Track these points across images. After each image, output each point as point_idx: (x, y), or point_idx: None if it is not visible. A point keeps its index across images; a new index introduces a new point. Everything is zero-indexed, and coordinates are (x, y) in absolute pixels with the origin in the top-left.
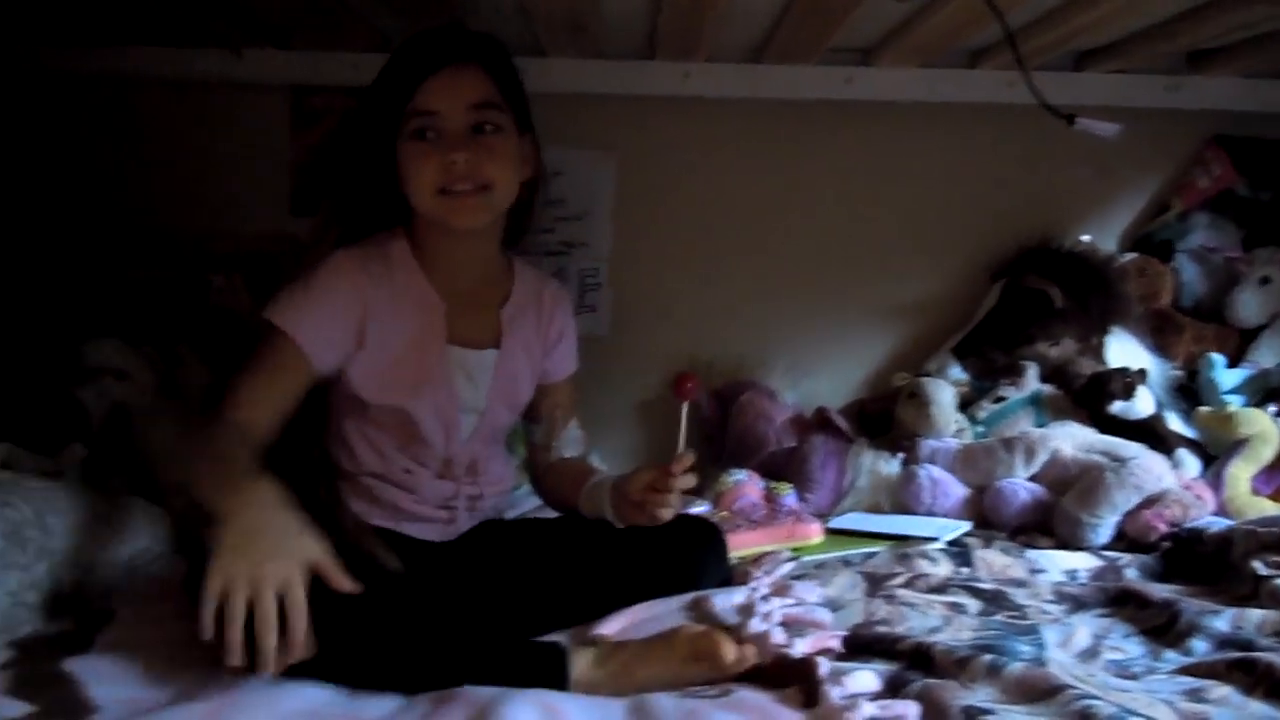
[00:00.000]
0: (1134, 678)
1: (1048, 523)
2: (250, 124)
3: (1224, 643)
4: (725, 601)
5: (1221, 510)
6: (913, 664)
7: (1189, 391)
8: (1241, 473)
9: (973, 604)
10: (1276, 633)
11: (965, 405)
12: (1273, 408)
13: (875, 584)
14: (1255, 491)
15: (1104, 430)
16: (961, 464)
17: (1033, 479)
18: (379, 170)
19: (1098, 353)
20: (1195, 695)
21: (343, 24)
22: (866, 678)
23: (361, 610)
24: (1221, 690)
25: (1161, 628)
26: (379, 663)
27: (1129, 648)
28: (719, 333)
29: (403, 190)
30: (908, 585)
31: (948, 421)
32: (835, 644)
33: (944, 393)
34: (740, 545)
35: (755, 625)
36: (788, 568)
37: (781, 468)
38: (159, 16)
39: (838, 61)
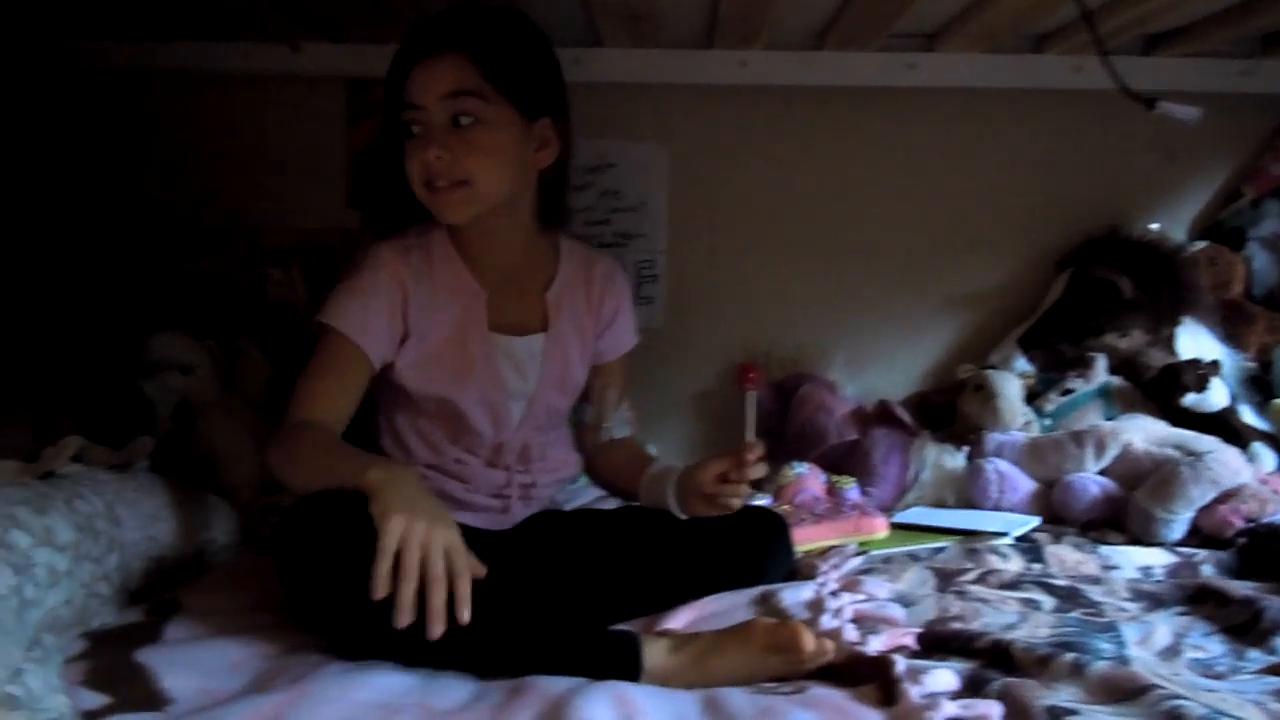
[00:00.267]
0: (1219, 677)
1: (1119, 518)
2: (307, 117)
3: None
4: (794, 597)
5: None
6: (991, 662)
7: (1262, 384)
8: None
9: (1047, 600)
10: None
11: (1031, 398)
12: None
13: (946, 580)
14: None
15: (1175, 423)
16: (1029, 458)
17: (1103, 473)
18: (398, 165)
19: (1168, 344)
20: None
21: (399, 16)
22: (945, 676)
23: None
24: None
25: (1243, 626)
26: (451, 645)
27: (1210, 646)
28: (777, 324)
29: None
30: (979, 581)
31: (1015, 415)
32: (910, 641)
33: (1011, 385)
34: (804, 540)
35: (826, 622)
36: (856, 562)
37: (842, 461)
38: (216, 11)
39: (901, 47)
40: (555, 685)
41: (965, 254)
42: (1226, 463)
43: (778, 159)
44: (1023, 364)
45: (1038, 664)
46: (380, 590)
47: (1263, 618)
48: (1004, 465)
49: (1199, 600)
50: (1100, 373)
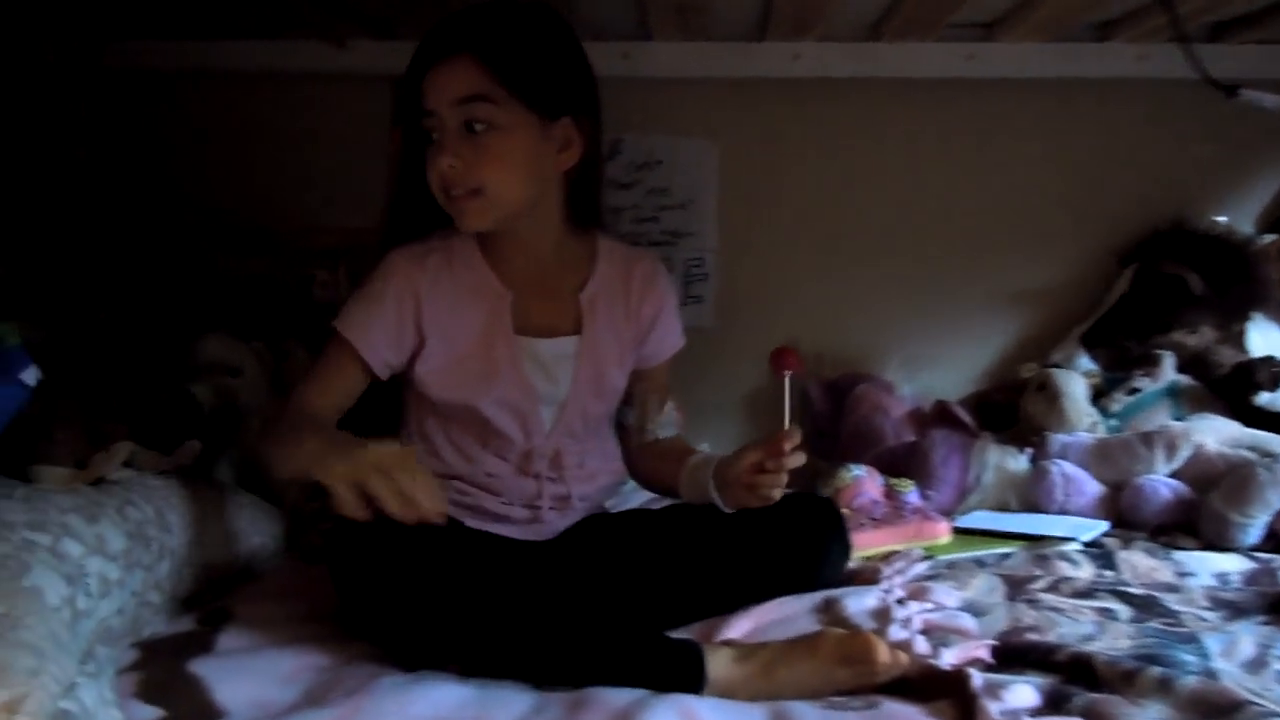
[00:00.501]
0: None
1: (1191, 522)
2: (353, 116)
3: None
4: (858, 604)
5: None
6: (1072, 677)
7: None
8: None
9: (1123, 610)
10: None
11: (1096, 397)
12: None
13: (1016, 587)
14: None
15: (1247, 423)
16: (1095, 460)
17: (1174, 475)
18: (421, 172)
19: (1238, 341)
20: None
21: (446, 10)
22: (1025, 692)
23: (491, 601)
24: None
25: None
26: (509, 655)
27: None
28: (830, 323)
29: None
30: (1051, 589)
31: (1081, 415)
32: (984, 654)
33: (1076, 385)
34: (863, 545)
35: (895, 632)
36: (921, 568)
37: (900, 463)
38: (260, 9)
39: (959, 37)
40: (617, 697)
41: (1024, 249)
42: None
43: (830, 154)
44: (1086, 362)
45: (1123, 679)
46: (363, 516)
47: None
48: (1070, 468)
49: None
50: (1168, 371)
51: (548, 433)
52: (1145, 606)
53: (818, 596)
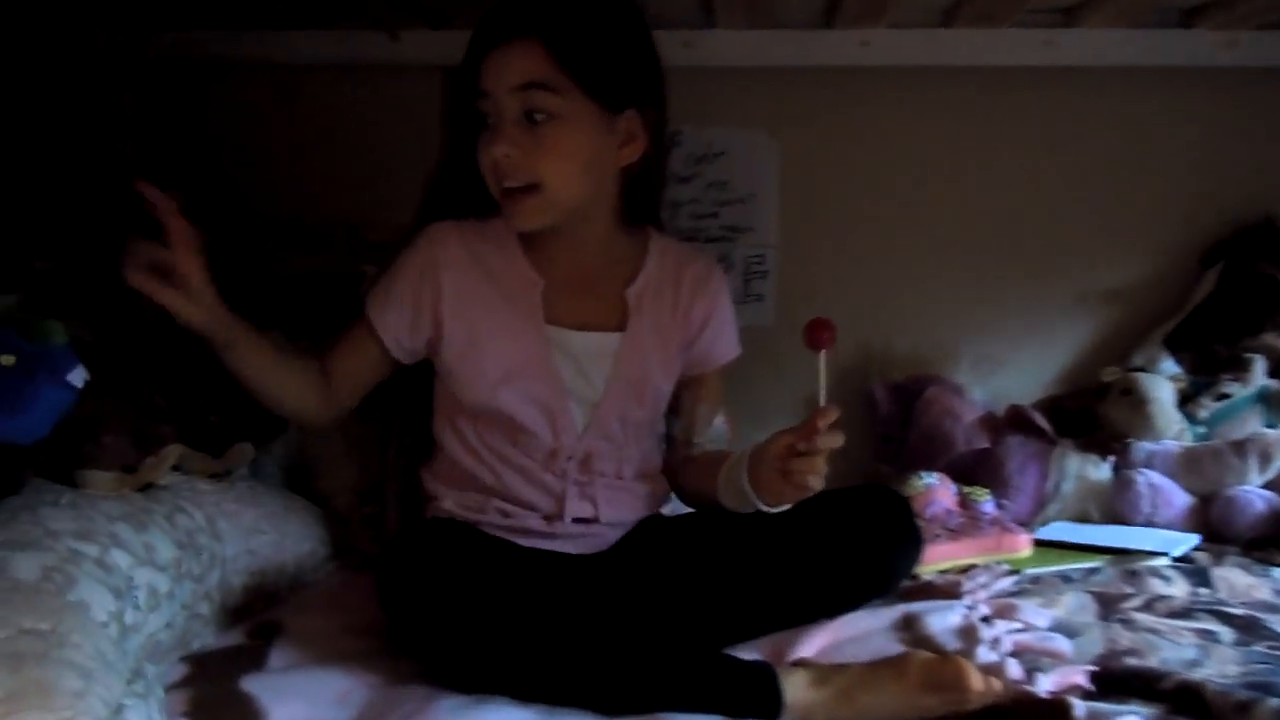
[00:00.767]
0: None
1: None
2: (405, 108)
3: None
4: (941, 622)
5: None
6: (1179, 707)
7: None
8: None
9: (1224, 632)
10: None
11: (1182, 403)
12: None
13: (1108, 606)
14: None
15: None
16: (1183, 469)
17: (1267, 486)
18: (468, 157)
19: None
20: None
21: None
22: None
23: (550, 624)
24: None
25: None
26: (571, 682)
27: None
28: (896, 323)
29: None
30: (1146, 608)
31: (1169, 422)
32: (1083, 680)
33: (1163, 389)
34: (940, 558)
35: (983, 654)
36: (1006, 583)
37: (972, 471)
38: None
39: (1037, 23)
40: None
41: (1102, 246)
42: None
43: (899, 146)
44: (1170, 366)
45: (1236, 710)
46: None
47: None
48: (1156, 477)
49: None
50: (1259, 375)
51: (580, 433)
52: (1248, 628)
53: (895, 612)
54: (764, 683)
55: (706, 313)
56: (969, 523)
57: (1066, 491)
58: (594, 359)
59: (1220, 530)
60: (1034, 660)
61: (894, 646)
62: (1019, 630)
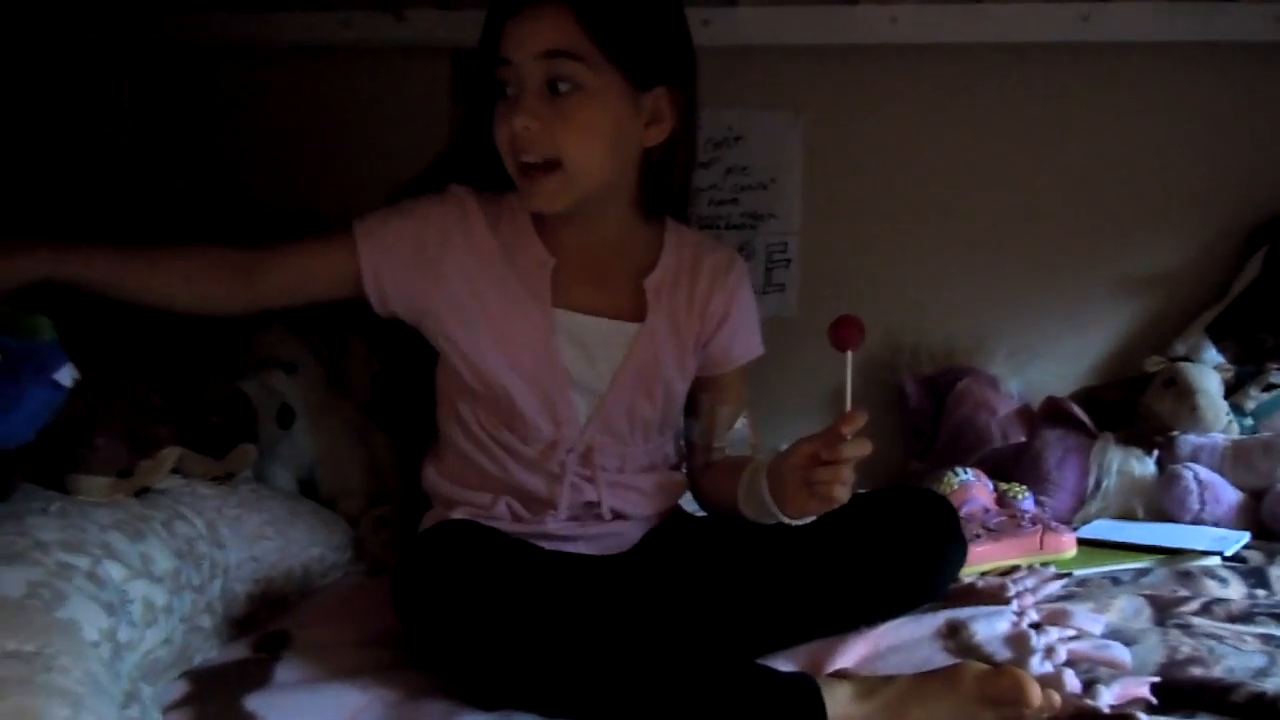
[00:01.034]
0: None
1: None
2: (410, 90)
3: None
4: (988, 630)
5: None
6: None
7: None
8: None
9: None
10: None
11: (1227, 394)
12: None
13: (1163, 610)
14: None
15: None
16: (1232, 464)
17: None
18: (483, 132)
19: None
20: None
21: None
22: None
23: (579, 634)
24: None
25: None
26: (602, 694)
27: None
28: (926, 313)
29: None
30: (1203, 612)
31: (1217, 414)
32: (1146, 692)
33: (1210, 380)
34: (982, 559)
35: (1037, 665)
36: (1055, 587)
37: (1008, 467)
38: None
39: None
40: None
41: (1141, 230)
42: None
43: (928, 127)
44: (1213, 355)
45: None
46: None
47: None
48: (1205, 472)
49: None
50: None
51: (583, 426)
52: None
53: (938, 618)
54: (805, 697)
55: (725, 307)
56: (1009, 521)
57: (1109, 488)
58: (604, 347)
59: (1272, 527)
60: (1091, 671)
61: (940, 656)
62: (1073, 638)
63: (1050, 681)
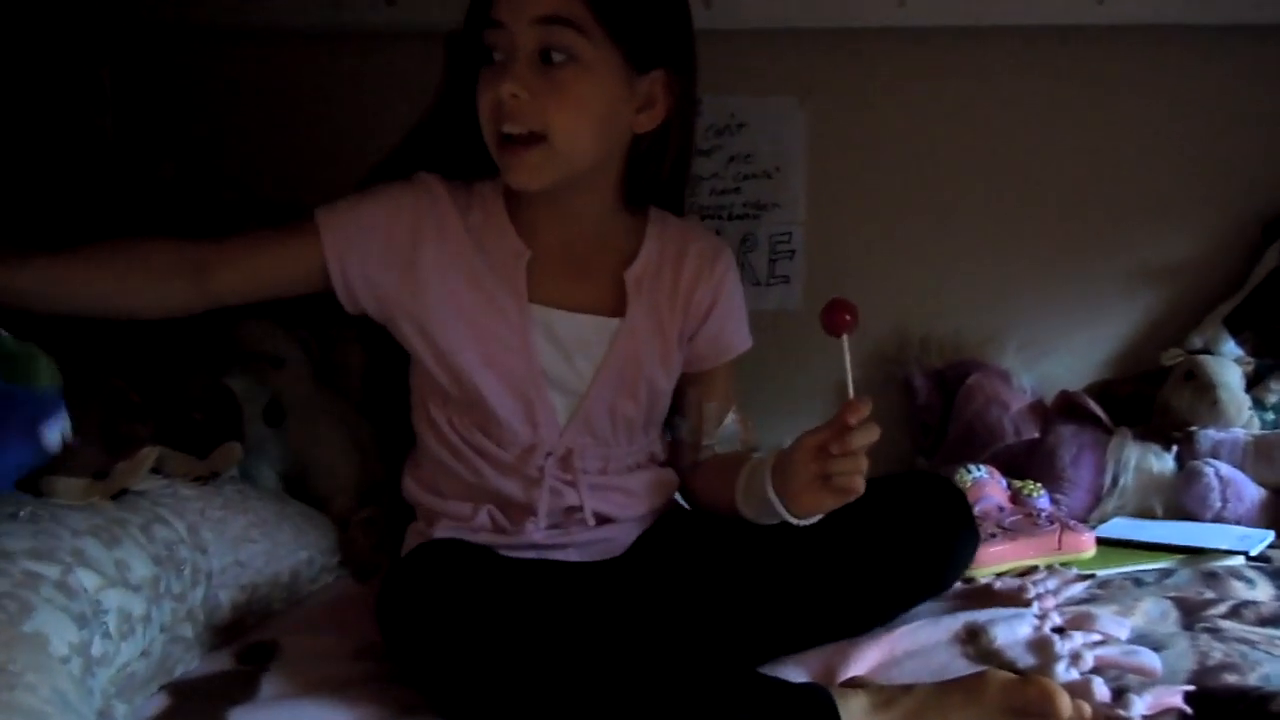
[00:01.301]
0: None
1: None
2: (402, 78)
3: None
4: (1009, 634)
5: None
6: None
7: None
8: None
9: None
10: None
11: (1247, 387)
12: None
13: (1190, 613)
14: None
15: None
16: (1254, 460)
17: None
18: (462, 102)
19: None
20: None
21: None
22: None
23: (570, 649)
24: None
25: None
26: (597, 712)
27: None
28: (935, 305)
29: None
30: (1232, 615)
31: (1239, 408)
32: (1179, 702)
33: (1231, 373)
34: (997, 559)
35: (1063, 672)
36: (1078, 589)
37: (1020, 463)
38: None
39: None
40: None
41: (1155, 220)
42: None
43: (935, 114)
44: (1232, 347)
45: None
46: None
47: None
48: (1226, 469)
49: None
50: None
51: (562, 428)
52: None
53: (956, 622)
54: (818, 708)
55: (711, 297)
56: (1025, 520)
57: (1126, 485)
58: (583, 345)
59: None
60: (1120, 678)
61: (959, 662)
62: (1098, 643)
63: (1079, 690)
